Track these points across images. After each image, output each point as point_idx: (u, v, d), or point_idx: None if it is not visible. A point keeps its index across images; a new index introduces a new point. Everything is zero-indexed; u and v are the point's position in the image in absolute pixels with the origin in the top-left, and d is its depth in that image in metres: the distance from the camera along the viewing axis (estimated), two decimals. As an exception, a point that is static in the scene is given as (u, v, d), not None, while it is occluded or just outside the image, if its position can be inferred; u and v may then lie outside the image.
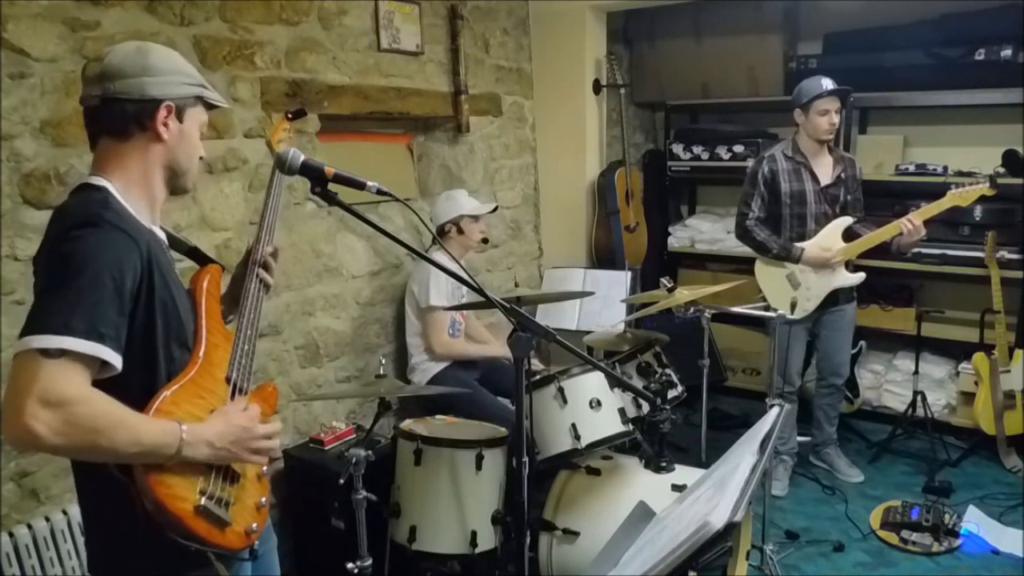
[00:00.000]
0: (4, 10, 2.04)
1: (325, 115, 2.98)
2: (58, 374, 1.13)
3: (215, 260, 1.56)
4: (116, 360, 1.19)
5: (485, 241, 3.30)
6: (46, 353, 1.13)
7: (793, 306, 3.17)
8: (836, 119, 3.20)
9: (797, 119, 3.27)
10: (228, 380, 1.41)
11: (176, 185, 1.43)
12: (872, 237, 3.21)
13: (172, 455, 1.22)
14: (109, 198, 1.29)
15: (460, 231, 3.19)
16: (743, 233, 3.38)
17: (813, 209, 3.28)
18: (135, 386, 1.26)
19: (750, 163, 4.34)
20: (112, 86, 1.32)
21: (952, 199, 3.06)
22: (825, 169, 3.30)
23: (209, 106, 1.45)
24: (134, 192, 1.35)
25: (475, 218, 3.21)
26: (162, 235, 1.44)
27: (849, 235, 3.28)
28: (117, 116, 1.33)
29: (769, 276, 3.38)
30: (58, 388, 1.12)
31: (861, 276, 3.31)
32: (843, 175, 3.31)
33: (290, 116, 2.08)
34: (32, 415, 1.10)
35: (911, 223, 3.07)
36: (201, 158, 1.46)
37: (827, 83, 3.16)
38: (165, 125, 1.35)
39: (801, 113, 3.24)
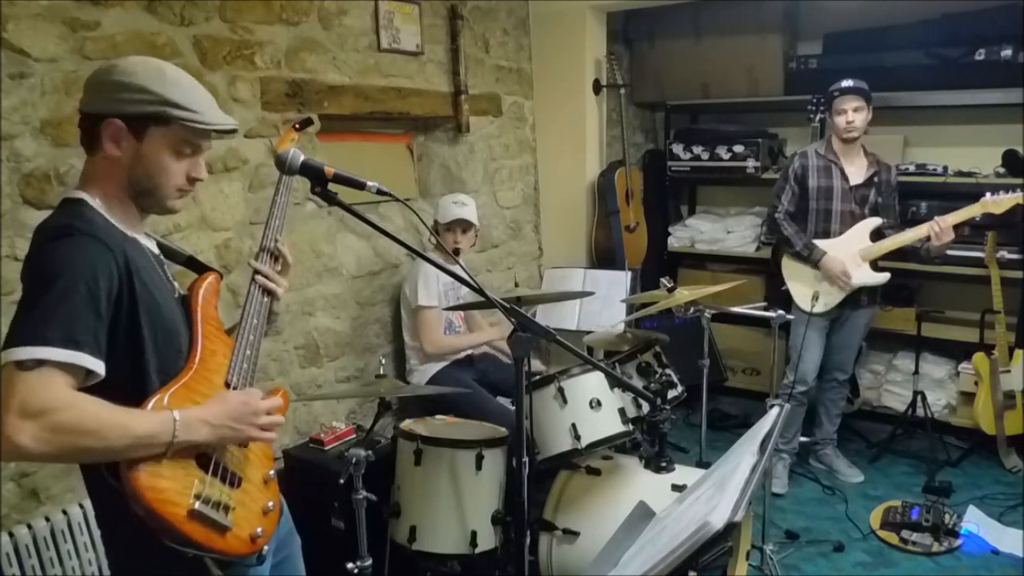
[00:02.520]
0: (4, 10, 2.04)
1: (325, 115, 2.98)
2: (36, 385, 1.13)
3: (213, 268, 1.55)
4: (97, 366, 1.19)
5: (456, 252, 3.15)
6: (22, 365, 1.13)
7: (815, 299, 3.17)
8: (854, 118, 3.21)
9: (828, 120, 3.36)
10: (228, 385, 1.39)
11: (146, 205, 1.39)
12: (898, 239, 3.22)
13: (169, 441, 1.21)
14: (84, 209, 1.29)
15: (438, 235, 3.18)
16: (772, 224, 3.45)
17: (839, 206, 3.30)
18: (125, 391, 1.25)
19: (750, 163, 4.38)
20: (81, 100, 1.34)
21: (985, 205, 3.07)
22: (857, 169, 3.32)
23: (208, 131, 1.38)
24: (111, 203, 1.34)
25: (447, 227, 3.15)
26: (147, 243, 1.42)
27: (877, 238, 3.29)
28: (81, 130, 1.35)
29: (795, 267, 3.40)
30: (37, 399, 1.12)
31: (886, 276, 3.31)
32: (876, 178, 3.33)
33: (297, 127, 2.09)
34: (15, 428, 1.11)
35: (939, 225, 3.07)
36: (198, 180, 1.41)
37: (844, 82, 3.22)
38: (114, 142, 1.31)
39: (828, 115, 3.32)
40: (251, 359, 1.44)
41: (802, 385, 3.39)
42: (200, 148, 1.39)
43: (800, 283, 3.38)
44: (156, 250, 1.45)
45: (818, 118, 3.79)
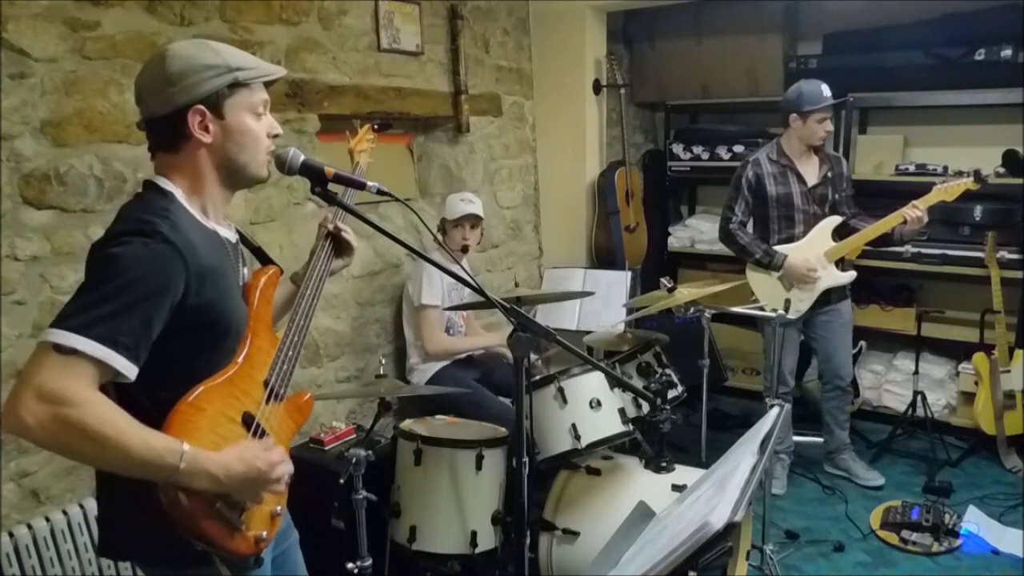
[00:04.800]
0: (4, 10, 2.04)
1: (325, 115, 2.98)
2: (61, 371, 1.13)
3: (275, 262, 1.56)
4: (127, 370, 1.18)
5: (464, 249, 3.18)
6: (59, 348, 1.13)
7: (787, 307, 3.16)
8: (831, 126, 3.22)
9: (792, 123, 3.24)
10: (266, 384, 1.40)
11: (241, 179, 1.40)
12: (863, 235, 3.20)
13: (166, 477, 1.18)
14: (172, 205, 1.29)
15: (444, 234, 3.19)
16: (726, 236, 3.38)
17: (800, 211, 3.27)
18: (176, 388, 1.26)
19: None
20: (146, 107, 1.32)
21: (937, 194, 3.07)
22: (811, 169, 3.30)
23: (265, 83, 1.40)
24: (194, 194, 1.35)
25: (455, 224, 3.16)
26: (229, 234, 1.43)
27: (845, 233, 3.28)
28: (161, 134, 1.33)
29: (761, 278, 3.37)
30: (56, 384, 1.12)
31: (852, 275, 3.31)
32: (830, 174, 3.30)
33: (376, 128, 2.07)
34: (25, 405, 1.11)
35: (918, 210, 3.05)
36: (276, 136, 1.42)
37: (827, 91, 3.16)
38: (204, 129, 1.32)
39: (798, 118, 3.21)
40: (292, 360, 1.44)
41: (784, 387, 3.37)
42: (267, 103, 1.41)
43: (769, 292, 3.34)
44: (234, 239, 1.46)
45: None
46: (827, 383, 3.50)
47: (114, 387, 1.22)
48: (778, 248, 3.28)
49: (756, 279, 3.39)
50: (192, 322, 1.27)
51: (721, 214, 3.41)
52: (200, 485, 1.21)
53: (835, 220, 3.28)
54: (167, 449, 1.18)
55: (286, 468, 1.34)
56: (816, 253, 3.25)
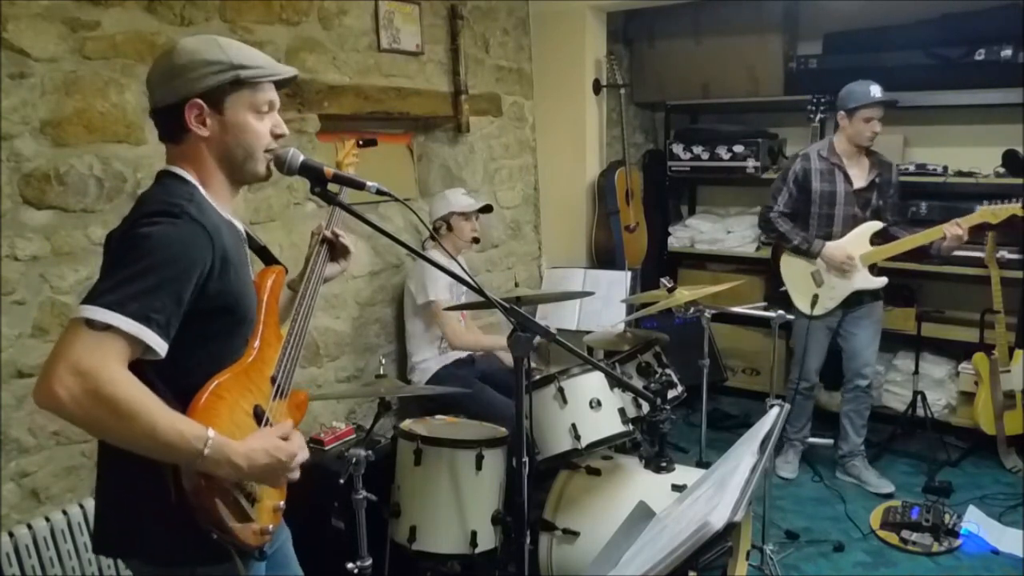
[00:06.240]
0: (4, 10, 2.04)
1: (325, 115, 2.98)
2: (95, 346, 1.14)
3: (280, 262, 1.57)
4: (159, 346, 1.20)
5: (476, 240, 3.28)
6: (92, 324, 1.14)
7: (814, 303, 3.17)
8: (879, 127, 3.18)
9: (840, 121, 3.24)
10: (273, 381, 1.42)
11: (240, 175, 1.42)
12: (901, 244, 3.21)
13: (189, 461, 1.20)
14: (194, 191, 1.32)
15: (450, 228, 3.20)
16: (765, 224, 3.43)
17: (842, 211, 3.27)
18: (192, 372, 1.27)
19: (750, 163, 4.37)
20: (152, 98, 1.36)
21: (982, 215, 3.07)
22: (860, 172, 3.29)
23: (276, 83, 1.41)
24: (207, 187, 1.37)
25: (466, 216, 3.20)
26: (240, 227, 1.45)
27: (886, 239, 3.27)
28: (164, 124, 1.37)
29: (794, 270, 3.39)
30: (90, 359, 1.13)
31: (884, 280, 3.31)
32: (878, 179, 3.30)
33: (360, 144, 2.12)
34: (59, 379, 1.12)
35: (960, 228, 3.05)
36: (281, 136, 1.43)
37: (875, 91, 3.13)
38: (202, 123, 1.34)
39: (845, 117, 3.21)
40: (294, 360, 1.47)
41: (806, 382, 3.42)
42: (274, 103, 1.43)
43: (798, 285, 3.37)
44: (243, 233, 1.48)
45: (818, 118, 3.78)
46: (848, 382, 3.49)
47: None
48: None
49: (788, 271, 3.41)
50: (212, 304, 1.29)
51: (764, 202, 3.44)
52: (222, 472, 1.23)
53: (876, 225, 3.28)
54: (193, 434, 1.19)
55: (303, 455, 1.37)
56: (852, 256, 3.25)
